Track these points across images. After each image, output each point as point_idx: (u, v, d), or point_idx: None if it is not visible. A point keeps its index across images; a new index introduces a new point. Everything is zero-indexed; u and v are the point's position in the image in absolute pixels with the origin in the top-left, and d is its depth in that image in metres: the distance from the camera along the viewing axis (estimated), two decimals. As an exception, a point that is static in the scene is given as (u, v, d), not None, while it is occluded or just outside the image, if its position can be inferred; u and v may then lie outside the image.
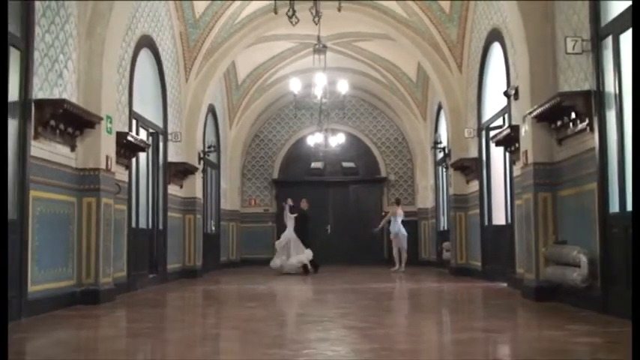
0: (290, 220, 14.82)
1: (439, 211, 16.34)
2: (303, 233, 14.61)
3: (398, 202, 16.56)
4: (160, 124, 11.61)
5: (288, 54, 16.74)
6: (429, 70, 13.68)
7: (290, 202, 15.23)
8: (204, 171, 14.30)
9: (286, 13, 6.37)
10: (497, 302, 7.91)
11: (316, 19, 6.34)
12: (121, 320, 6.82)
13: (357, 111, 20.14)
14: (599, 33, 6.59)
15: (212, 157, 15.59)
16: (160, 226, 11.48)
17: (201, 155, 13.75)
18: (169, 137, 11.92)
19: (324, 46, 14.32)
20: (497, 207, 10.93)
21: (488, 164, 11.54)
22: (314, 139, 17.40)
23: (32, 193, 6.65)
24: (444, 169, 14.88)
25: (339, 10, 6.72)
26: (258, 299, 8.74)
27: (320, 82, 12.91)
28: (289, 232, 14.64)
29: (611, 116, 6.39)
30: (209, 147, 14.47)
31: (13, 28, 6.43)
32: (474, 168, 12.12)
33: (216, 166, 16.53)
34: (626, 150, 6.10)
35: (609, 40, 6.40)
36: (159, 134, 11.55)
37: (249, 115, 18.51)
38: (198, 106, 13.31)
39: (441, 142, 15.01)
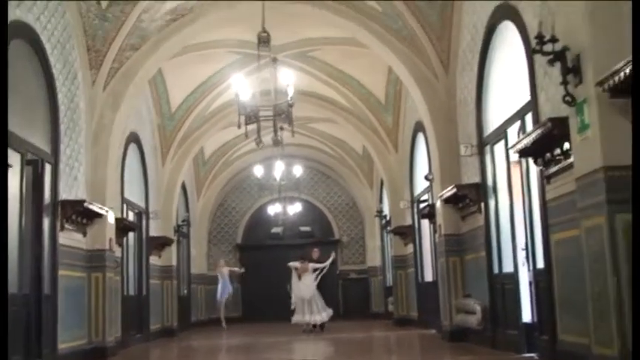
0: (310, 272, 14.53)
1: (385, 269, 18.58)
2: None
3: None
4: (143, 205, 13.67)
5: (251, 133, 18.96)
6: (370, 149, 16.11)
7: (316, 252, 15.14)
8: (177, 241, 16.30)
9: (254, 141, 8.68)
10: (421, 344, 10.15)
11: (278, 137, 8.72)
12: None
13: (311, 180, 22.41)
14: (482, 142, 9.04)
15: (183, 227, 17.61)
16: (144, 292, 13.43)
17: (176, 228, 15.81)
18: (150, 215, 13.97)
19: (282, 128, 16.71)
20: (427, 266, 13.26)
21: (419, 231, 13.86)
22: (274, 209, 19.57)
23: (60, 272, 8.68)
24: (387, 233, 17.18)
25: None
26: (233, 350, 10.75)
27: (279, 168, 15.42)
28: (312, 286, 14.44)
29: (491, 203, 8.80)
30: (183, 221, 16.56)
31: (47, 147, 8.56)
32: (409, 233, 14.45)
33: (187, 235, 18.51)
34: (500, 228, 8.49)
35: (488, 148, 8.86)
36: (142, 213, 13.60)
37: (215, 187, 20.68)
38: (173, 186, 15.45)
39: (382, 211, 17.37)
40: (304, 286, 14.50)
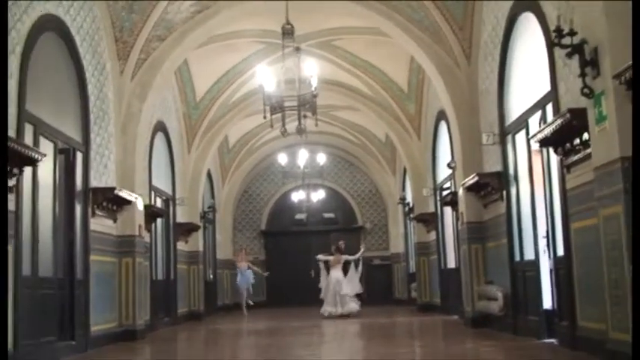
0: (341, 264, 14.94)
1: (408, 255, 18.73)
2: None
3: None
4: (170, 192, 13.96)
5: (275, 120, 19.19)
6: (393, 137, 16.23)
7: (342, 244, 15.59)
8: (203, 227, 16.61)
9: (279, 131, 8.89)
10: (443, 329, 10.32)
11: (302, 125, 8.93)
12: (162, 348, 9.11)
13: (335, 167, 22.57)
14: (504, 131, 9.13)
15: (209, 214, 17.91)
16: (172, 277, 13.76)
17: (202, 215, 16.12)
18: (177, 202, 14.27)
19: (305, 116, 16.88)
20: (450, 253, 13.39)
21: (442, 218, 13.99)
22: (297, 196, 19.80)
23: (91, 258, 8.98)
24: (410, 220, 17.32)
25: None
26: (258, 333, 11.01)
27: (302, 156, 15.64)
28: (355, 282, 15.02)
29: (513, 191, 8.90)
30: (208, 207, 16.85)
31: (77, 136, 8.83)
32: (431, 220, 14.58)
33: (212, 222, 18.82)
34: (522, 216, 8.59)
35: (509, 137, 8.95)
36: (169, 200, 13.90)
37: (239, 175, 20.96)
38: (199, 174, 15.74)
39: (405, 199, 17.50)
40: (336, 280, 14.62)
